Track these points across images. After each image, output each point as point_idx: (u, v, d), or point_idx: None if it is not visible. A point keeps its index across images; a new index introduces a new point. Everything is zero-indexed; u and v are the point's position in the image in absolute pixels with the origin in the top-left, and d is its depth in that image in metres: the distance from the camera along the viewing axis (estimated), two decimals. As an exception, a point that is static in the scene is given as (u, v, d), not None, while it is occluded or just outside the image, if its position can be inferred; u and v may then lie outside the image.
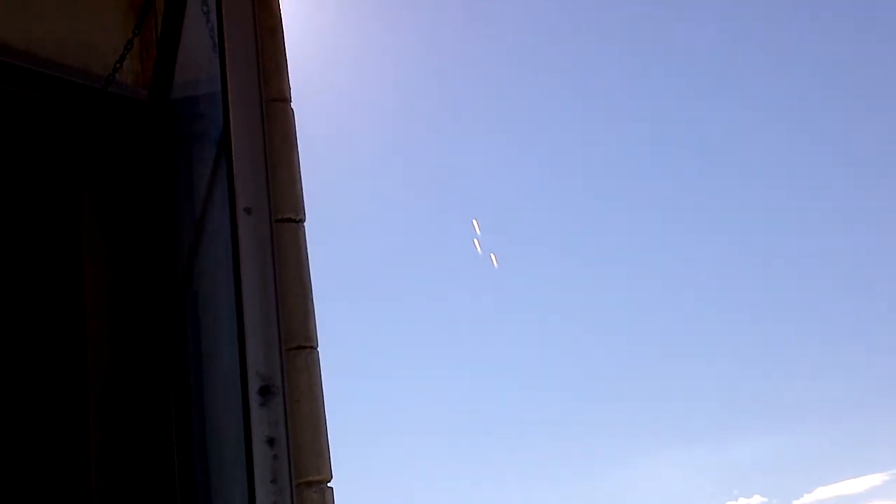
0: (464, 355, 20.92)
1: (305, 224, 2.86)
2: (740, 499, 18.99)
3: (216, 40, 2.22)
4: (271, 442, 1.84)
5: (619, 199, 20.65)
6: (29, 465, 3.17)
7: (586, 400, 20.83)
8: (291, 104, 2.93)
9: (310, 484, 2.52)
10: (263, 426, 1.85)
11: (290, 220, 2.74)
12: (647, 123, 20.00)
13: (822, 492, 19.01)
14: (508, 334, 21.08)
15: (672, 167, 20.42)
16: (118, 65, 2.99)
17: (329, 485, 2.55)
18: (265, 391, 1.87)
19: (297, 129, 2.94)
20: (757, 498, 18.90)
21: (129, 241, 3.22)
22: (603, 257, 21.04)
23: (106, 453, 3.03)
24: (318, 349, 2.70)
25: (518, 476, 19.69)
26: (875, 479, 18.82)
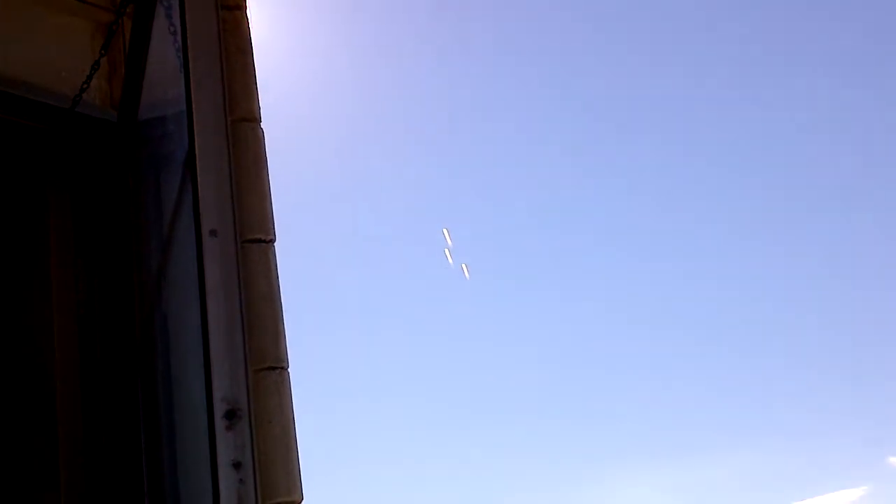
0: (435, 370, 20.84)
1: (276, 244, 2.86)
2: (726, 513, 19.02)
3: (182, 60, 2.21)
4: (237, 466, 1.83)
5: (594, 211, 20.69)
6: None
7: (558, 418, 20.80)
8: (261, 124, 2.93)
9: (281, 506, 2.50)
10: (229, 450, 1.84)
11: (259, 241, 2.73)
12: (626, 125, 20.05)
13: (806, 505, 19.07)
14: (480, 348, 21.04)
15: (651, 175, 20.49)
16: (85, 85, 2.97)
17: (300, 506, 2.54)
18: (231, 415, 1.85)
19: (265, 148, 2.94)
20: (742, 513, 18.93)
21: (98, 263, 3.20)
22: (577, 272, 21.07)
23: (75, 478, 3.00)
24: (289, 370, 2.69)
25: (489, 496, 19.61)
26: (852, 495, 18.90)
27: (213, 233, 1.97)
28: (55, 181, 3.23)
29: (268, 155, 2.96)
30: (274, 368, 2.61)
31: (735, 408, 20.72)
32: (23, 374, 3.12)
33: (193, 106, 2.06)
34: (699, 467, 20.48)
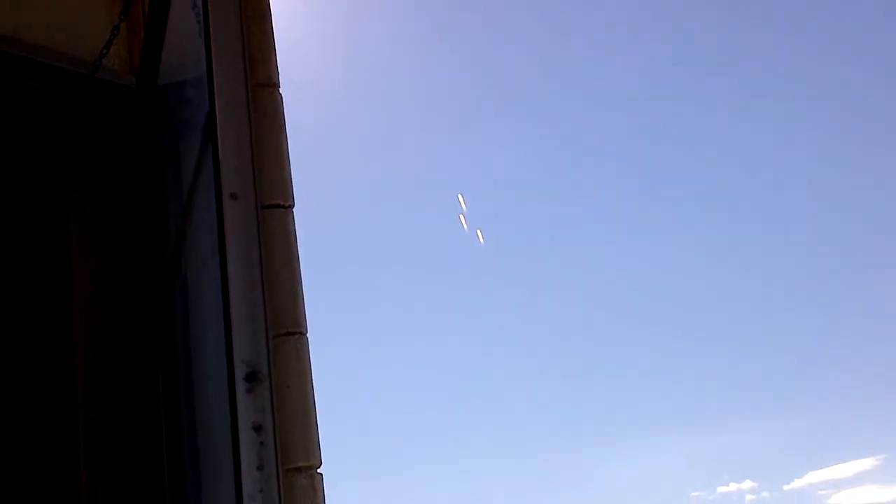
0: (450, 335, 20.87)
1: (294, 210, 2.86)
2: (731, 484, 19.06)
3: (202, 25, 2.20)
4: (258, 429, 1.84)
5: (609, 173, 20.60)
6: (18, 459, 3.16)
7: (574, 385, 20.84)
8: (279, 89, 2.93)
9: (299, 470, 2.52)
10: (250, 413, 1.85)
11: (278, 206, 2.73)
12: (640, 96, 19.94)
13: (813, 476, 19.11)
14: (495, 314, 21.03)
15: (672, 140, 20.38)
16: (105, 50, 2.97)
17: (318, 470, 2.56)
18: (251, 378, 1.86)
19: (285, 114, 2.94)
20: (748, 483, 18.97)
21: (118, 228, 3.21)
22: (593, 234, 21.00)
23: (95, 444, 3.03)
24: (308, 335, 2.71)
25: (506, 460, 19.70)
26: (864, 464, 18.91)
27: (233, 196, 1.98)
28: (74, 146, 3.23)
29: (286, 120, 2.98)
30: (293, 333, 2.62)
31: (752, 377, 20.71)
32: (43, 340, 3.14)
33: (214, 69, 2.06)
34: (716, 436, 20.52)
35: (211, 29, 2.10)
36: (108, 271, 3.18)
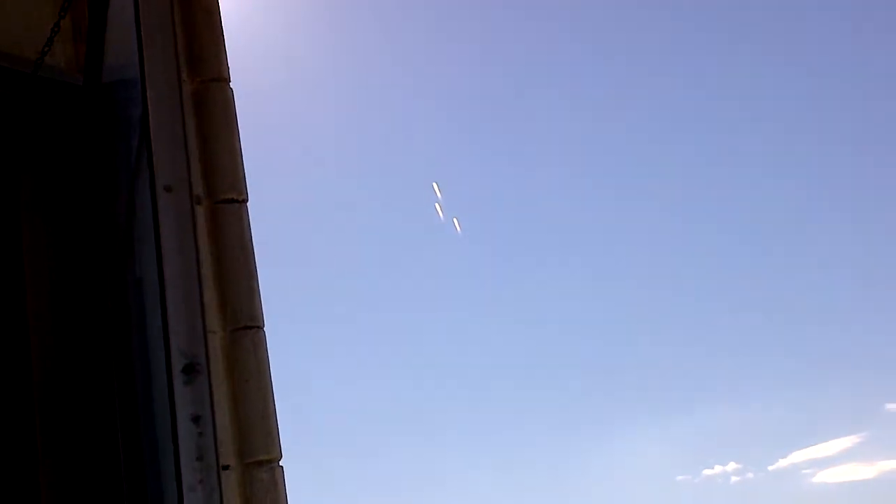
0: (425, 326, 20.81)
1: (249, 204, 2.85)
2: (716, 467, 19.15)
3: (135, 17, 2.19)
4: (196, 419, 1.83)
5: (589, 160, 20.59)
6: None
7: (553, 373, 20.83)
8: (230, 84, 2.91)
9: (260, 463, 2.52)
10: (188, 404, 1.84)
11: (232, 201, 2.73)
12: (628, 68, 19.93)
13: (797, 456, 19.20)
14: (473, 304, 20.98)
15: (651, 131, 20.41)
16: (46, 48, 2.95)
17: (279, 464, 2.55)
18: (189, 369, 1.85)
19: (235, 108, 2.93)
20: (732, 465, 19.06)
21: (69, 228, 3.19)
22: (572, 222, 20.97)
23: (52, 443, 3.01)
24: (265, 329, 2.70)
25: (484, 451, 19.68)
26: (847, 442, 19.02)
27: (167, 188, 1.96)
28: (22, 148, 3.21)
29: (239, 114, 2.96)
30: (249, 328, 2.62)
31: (732, 360, 20.79)
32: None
33: (145, 62, 2.05)
34: (700, 419, 20.59)
35: (141, 19, 2.09)
36: (61, 271, 3.16)
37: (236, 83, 2.95)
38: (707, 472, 19.49)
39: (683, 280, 21.05)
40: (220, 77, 2.89)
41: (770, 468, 19.40)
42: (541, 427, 19.96)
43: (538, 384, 20.59)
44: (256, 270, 2.75)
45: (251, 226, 2.81)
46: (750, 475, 19.23)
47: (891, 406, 19.25)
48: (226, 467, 2.37)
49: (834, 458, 19.15)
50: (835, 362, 20.20)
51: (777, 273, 20.78)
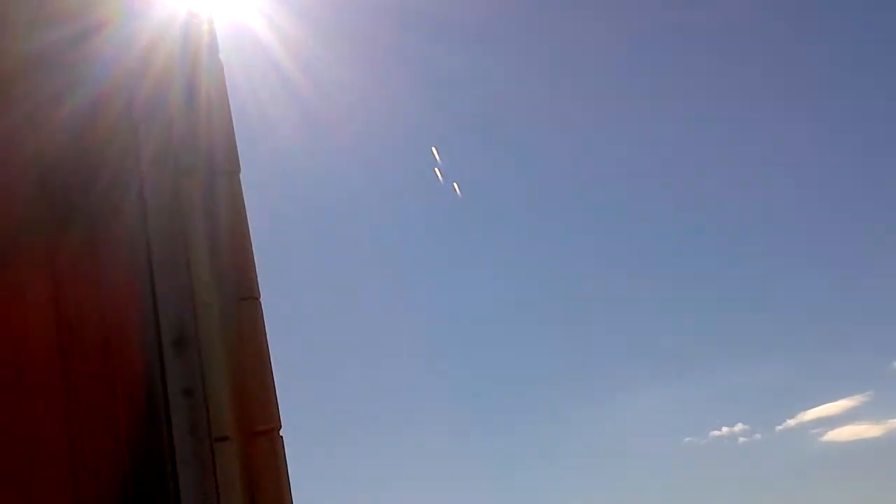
0: (426, 292, 20.81)
1: (242, 174, 2.84)
2: (724, 428, 19.21)
3: None
4: (188, 392, 1.83)
5: (596, 120, 20.48)
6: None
7: (558, 335, 20.83)
8: (219, 54, 2.90)
9: (259, 433, 2.52)
10: (179, 378, 1.84)
11: (226, 173, 2.72)
12: (633, 35, 19.80)
13: (804, 416, 19.25)
14: (474, 268, 20.95)
15: (665, 96, 20.27)
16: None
17: (279, 433, 2.56)
18: (179, 342, 1.85)
19: (226, 80, 2.91)
20: (740, 426, 19.12)
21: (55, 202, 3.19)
22: (574, 184, 20.92)
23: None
24: (262, 300, 2.70)
25: (485, 418, 19.75)
26: (854, 401, 19.06)
27: (154, 161, 1.96)
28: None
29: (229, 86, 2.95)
30: (245, 299, 2.61)
31: (739, 320, 20.81)
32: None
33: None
34: (706, 381, 20.63)
35: None
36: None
37: (225, 52, 2.93)
38: (714, 433, 19.55)
39: (687, 239, 21.03)
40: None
41: (778, 428, 19.46)
42: (544, 390, 20.03)
43: (540, 348, 20.62)
44: (251, 240, 2.74)
45: (244, 195, 2.80)
46: (757, 436, 19.30)
47: (897, 364, 19.28)
48: (224, 438, 2.38)
49: (842, 418, 19.19)
50: (841, 321, 20.21)
51: (783, 230, 20.75)
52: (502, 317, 20.75)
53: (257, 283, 2.68)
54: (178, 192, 1.98)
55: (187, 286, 1.90)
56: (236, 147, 2.78)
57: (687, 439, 19.91)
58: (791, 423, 19.28)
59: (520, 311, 20.64)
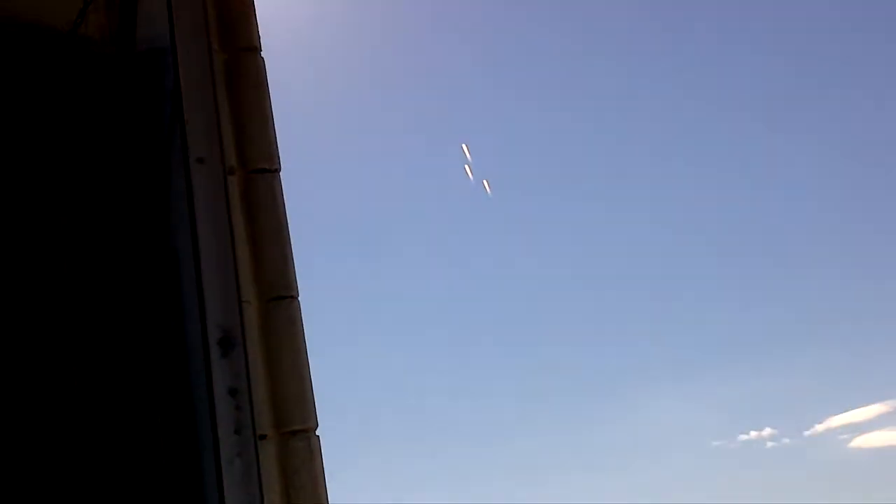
0: (456, 291, 20.80)
1: (282, 174, 2.85)
2: (752, 432, 19.12)
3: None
4: (233, 392, 1.83)
5: (621, 126, 20.41)
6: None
7: (588, 336, 20.78)
8: (261, 53, 2.90)
9: (295, 433, 2.53)
10: (225, 377, 1.84)
11: (264, 171, 2.72)
12: (653, 57, 19.75)
13: (833, 421, 19.12)
14: (504, 268, 20.92)
15: (681, 97, 20.19)
16: (79, 19, 2.95)
17: (316, 433, 2.56)
18: (225, 342, 1.85)
19: (266, 77, 2.92)
20: (768, 430, 19.03)
21: (101, 200, 3.19)
22: (604, 184, 20.86)
23: (86, 419, 3.04)
24: (300, 299, 2.70)
25: (518, 414, 19.72)
26: (884, 407, 18.91)
27: (200, 160, 1.96)
28: (53, 119, 3.21)
29: (270, 83, 2.95)
30: (283, 298, 2.62)
31: (769, 324, 20.68)
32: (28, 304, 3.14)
33: (176, 35, 2.04)
34: (733, 384, 20.53)
35: (172, -9, 2.07)
36: (93, 243, 3.17)
37: (267, 51, 2.94)
38: (743, 437, 19.47)
39: (718, 240, 20.93)
40: (250, 46, 2.87)
41: (806, 433, 19.35)
42: (571, 393, 19.99)
43: (570, 348, 20.58)
44: (290, 239, 2.75)
45: (284, 195, 2.80)
46: (786, 441, 19.21)
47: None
48: (263, 436, 2.39)
49: (871, 424, 19.06)
50: (871, 326, 20.05)
51: (814, 233, 20.60)
52: (531, 318, 20.72)
53: (296, 282, 2.69)
54: (222, 191, 1.97)
55: (233, 286, 1.90)
56: (277, 145, 2.79)
57: (715, 443, 19.84)
58: (819, 428, 19.16)
59: (548, 313, 20.60)
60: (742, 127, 20.21)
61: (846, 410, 19.12)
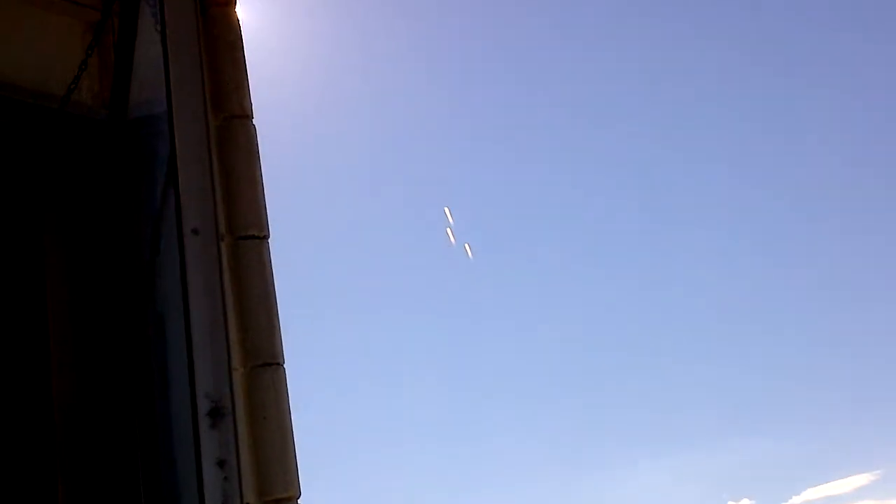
0: (438, 354, 20.71)
1: (270, 240, 2.85)
2: (729, 503, 19.00)
3: (163, 59, 2.21)
4: (221, 464, 1.83)
5: (602, 190, 20.54)
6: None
7: (568, 404, 20.71)
8: (252, 120, 2.92)
9: (278, 501, 2.51)
10: (214, 448, 1.84)
11: (253, 237, 2.73)
12: (630, 114, 19.93)
13: (811, 493, 19.06)
14: (485, 331, 20.88)
15: (661, 157, 20.35)
16: (73, 85, 2.98)
17: (298, 502, 2.55)
18: (215, 413, 1.85)
19: (258, 145, 2.93)
20: (746, 501, 18.92)
21: (91, 262, 3.20)
22: (585, 250, 20.92)
23: (73, 480, 3.02)
24: (285, 366, 2.70)
25: (498, 484, 19.54)
26: (862, 479, 18.88)
27: (194, 231, 1.97)
28: (47, 181, 3.23)
29: (261, 150, 2.97)
30: (269, 364, 2.61)
31: (749, 397, 20.69)
32: (19, 377, 3.13)
33: (173, 105, 2.06)
34: (713, 454, 20.46)
35: (170, 62, 2.10)
36: (83, 306, 3.17)
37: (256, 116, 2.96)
38: (721, 508, 19.31)
39: (699, 315, 20.97)
40: (242, 114, 2.89)
41: (783, 506, 19.24)
42: (552, 460, 19.85)
43: (550, 415, 20.48)
44: (277, 306, 2.75)
45: (272, 261, 2.81)
46: (764, 512, 19.08)
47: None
48: (248, 506, 2.37)
49: (849, 496, 18.99)
50: (850, 398, 20.07)
51: (793, 310, 20.68)
52: (510, 383, 20.63)
53: (282, 350, 2.69)
54: (216, 263, 1.98)
55: (224, 356, 1.90)
56: (266, 212, 2.80)
57: (695, 513, 19.67)
58: (797, 500, 19.08)
59: (528, 377, 20.52)
60: (727, 189, 20.40)
61: (825, 482, 19.06)
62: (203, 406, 1.85)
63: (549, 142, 19.89)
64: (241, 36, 2.93)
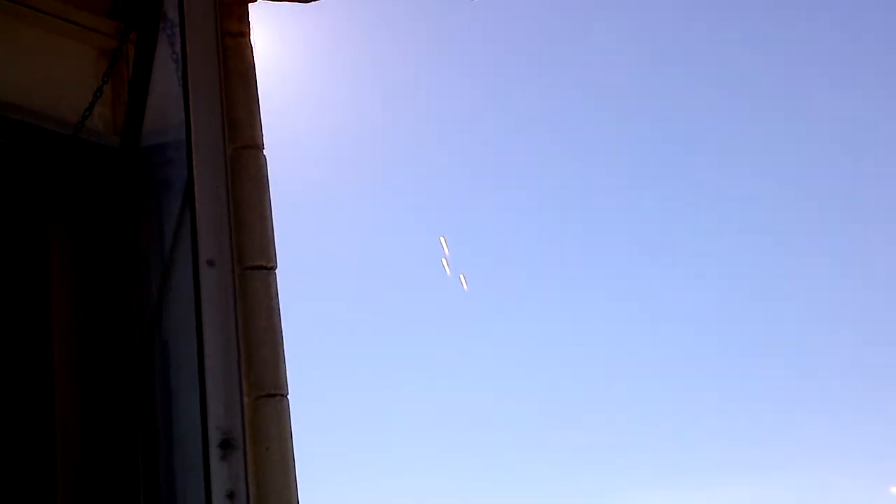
0: (433, 385, 20.60)
1: (277, 271, 2.85)
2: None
3: (182, 88, 2.22)
4: (231, 496, 1.82)
5: (597, 219, 20.50)
6: None
7: (563, 437, 20.57)
8: (263, 151, 2.93)
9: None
10: (224, 480, 1.83)
11: (261, 268, 2.73)
12: (627, 121, 19.89)
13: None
14: (480, 363, 20.77)
15: (661, 189, 20.36)
16: (87, 112, 2.99)
17: (299, 531, 2.53)
18: (226, 445, 1.85)
19: (268, 176, 2.94)
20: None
21: (98, 290, 3.20)
22: (581, 280, 20.85)
23: (72, 480, 3.01)
24: (288, 397, 2.69)
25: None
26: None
27: (210, 263, 1.97)
28: (56, 207, 3.23)
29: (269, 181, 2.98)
30: (273, 395, 2.61)
31: (747, 434, 20.59)
32: (23, 402, 3.12)
33: (192, 135, 2.07)
34: (711, 492, 20.31)
35: (190, 93, 2.11)
36: (89, 332, 3.16)
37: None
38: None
39: (703, 350, 20.93)
40: (254, 144, 2.90)
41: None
42: (546, 494, 19.70)
43: (544, 449, 20.35)
44: (282, 338, 2.75)
45: (279, 293, 2.81)
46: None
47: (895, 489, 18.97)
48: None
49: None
50: (838, 445, 19.99)
51: (784, 358, 20.64)
52: (507, 419, 20.56)
53: (286, 381, 2.68)
54: (231, 296, 1.99)
55: (236, 389, 1.90)
56: (274, 244, 2.81)
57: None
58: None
59: (526, 413, 20.44)
60: (721, 227, 20.42)
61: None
62: (214, 438, 1.85)
63: (547, 173, 19.92)
64: (255, 66, 2.95)
